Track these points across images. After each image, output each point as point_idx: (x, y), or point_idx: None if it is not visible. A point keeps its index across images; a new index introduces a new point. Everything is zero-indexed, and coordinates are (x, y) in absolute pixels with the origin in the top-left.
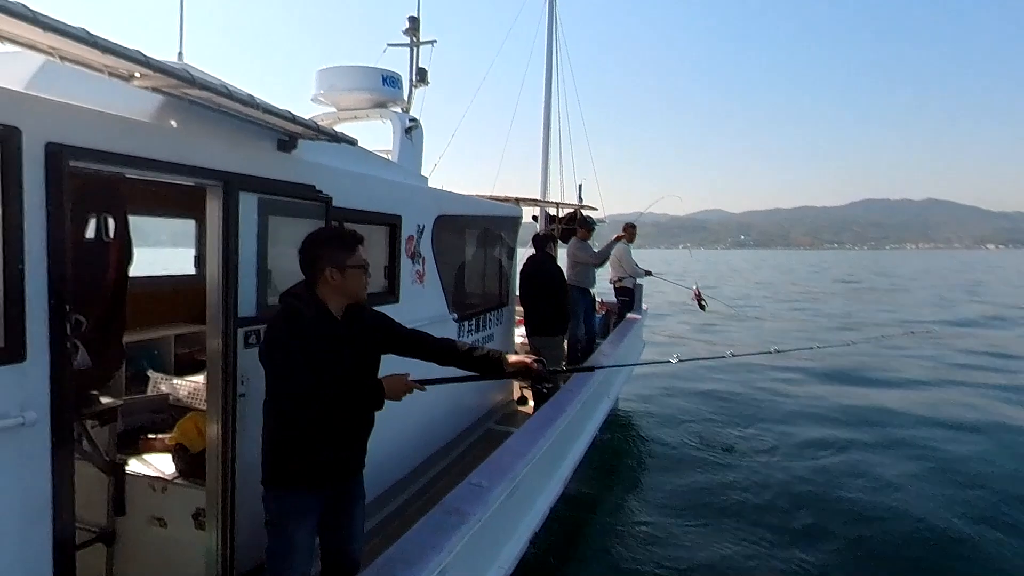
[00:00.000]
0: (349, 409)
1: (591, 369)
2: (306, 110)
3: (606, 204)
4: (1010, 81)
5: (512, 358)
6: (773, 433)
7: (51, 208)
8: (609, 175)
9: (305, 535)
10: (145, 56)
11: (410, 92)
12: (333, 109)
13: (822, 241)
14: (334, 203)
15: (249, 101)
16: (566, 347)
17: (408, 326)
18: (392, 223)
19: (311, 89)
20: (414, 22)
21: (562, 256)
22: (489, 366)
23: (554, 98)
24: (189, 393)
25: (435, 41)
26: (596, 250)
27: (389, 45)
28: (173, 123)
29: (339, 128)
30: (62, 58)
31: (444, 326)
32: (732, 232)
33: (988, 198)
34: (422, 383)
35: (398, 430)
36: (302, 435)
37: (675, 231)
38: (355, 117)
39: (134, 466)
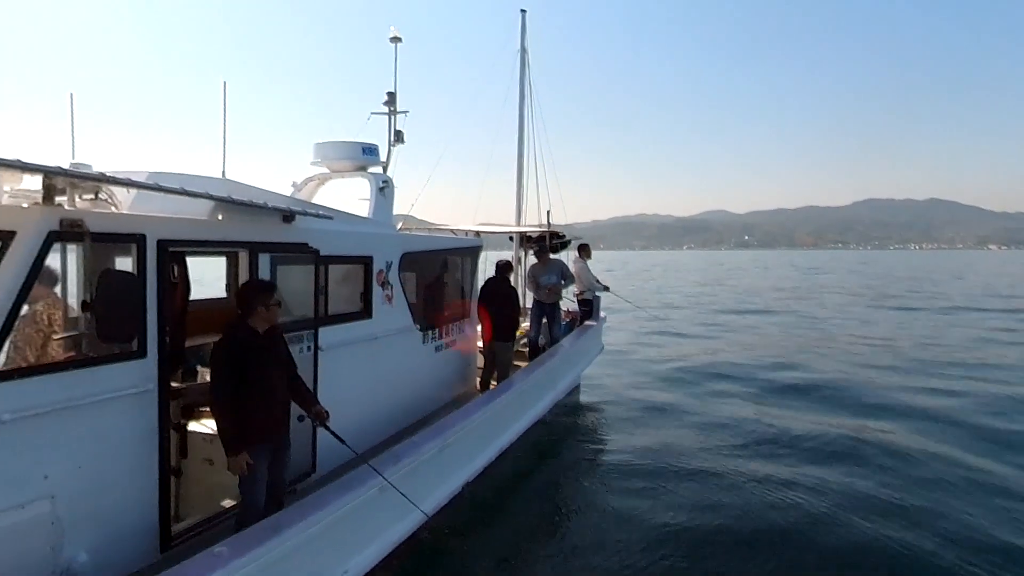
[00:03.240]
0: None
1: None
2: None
3: (607, 208)
4: (1014, 81)
5: (317, 408)
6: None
7: (159, 275)
8: (611, 176)
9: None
10: (205, 193)
11: (388, 151)
12: (327, 171)
13: (826, 241)
14: (321, 252)
15: (263, 204)
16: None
17: (379, 336)
18: (366, 262)
19: (310, 156)
20: (391, 96)
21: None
22: (305, 404)
23: (526, 135)
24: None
25: (408, 111)
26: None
27: (372, 114)
28: (220, 216)
29: (330, 183)
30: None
31: (410, 334)
32: (736, 233)
33: (991, 198)
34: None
35: (364, 411)
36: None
37: (679, 232)
38: (342, 176)
39: (192, 427)
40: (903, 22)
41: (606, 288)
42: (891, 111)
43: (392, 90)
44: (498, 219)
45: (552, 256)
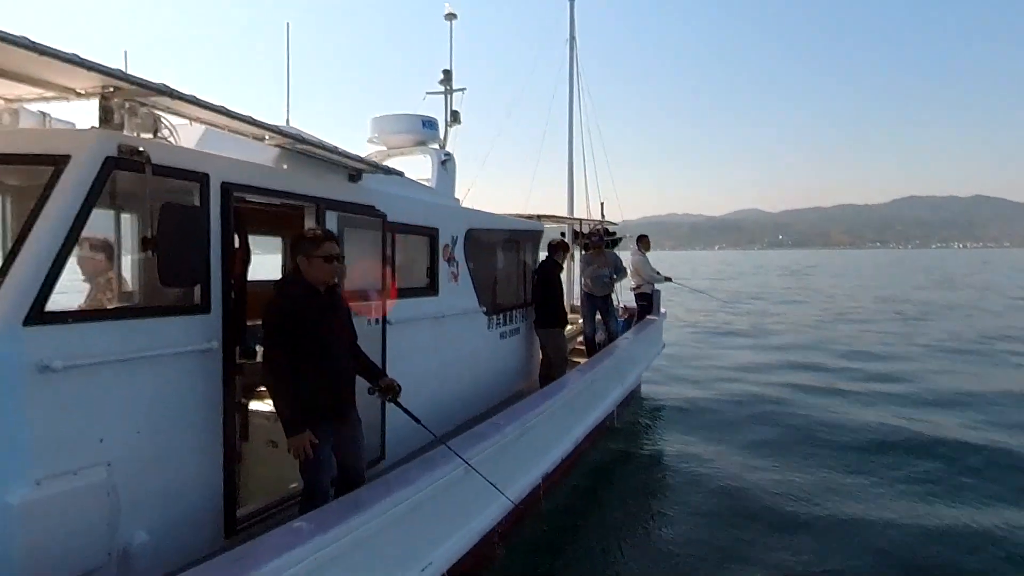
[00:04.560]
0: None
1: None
2: (361, 148)
3: (638, 207)
4: None
5: (386, 379)
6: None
7: (223, 222)
8: (641, 176)
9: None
10: (276, 125)
11: (445, 131)
12: (384, 148)
13: (863, 240)
14: (388, 219)
15: (333, 149)
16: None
17: (446, 316)
18: (431, 234)
19: (367, 132)
20: (447, 74)
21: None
22: (370, 375)
23: (577, 126)
24: None
25: (464, 89)
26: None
27: (428, 93)
28: (285, 166)
29: (388, 162)
30: (215, 126)
31: (476, 317)
32: (769, 232)
33: None
34: None
35: (430, 397)
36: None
37: (710, 232)
38: (401, 153)
39: (254, 406)
40: (942, 14)
41: (668, 279)
42: (933, 105)
43: (448, 68)
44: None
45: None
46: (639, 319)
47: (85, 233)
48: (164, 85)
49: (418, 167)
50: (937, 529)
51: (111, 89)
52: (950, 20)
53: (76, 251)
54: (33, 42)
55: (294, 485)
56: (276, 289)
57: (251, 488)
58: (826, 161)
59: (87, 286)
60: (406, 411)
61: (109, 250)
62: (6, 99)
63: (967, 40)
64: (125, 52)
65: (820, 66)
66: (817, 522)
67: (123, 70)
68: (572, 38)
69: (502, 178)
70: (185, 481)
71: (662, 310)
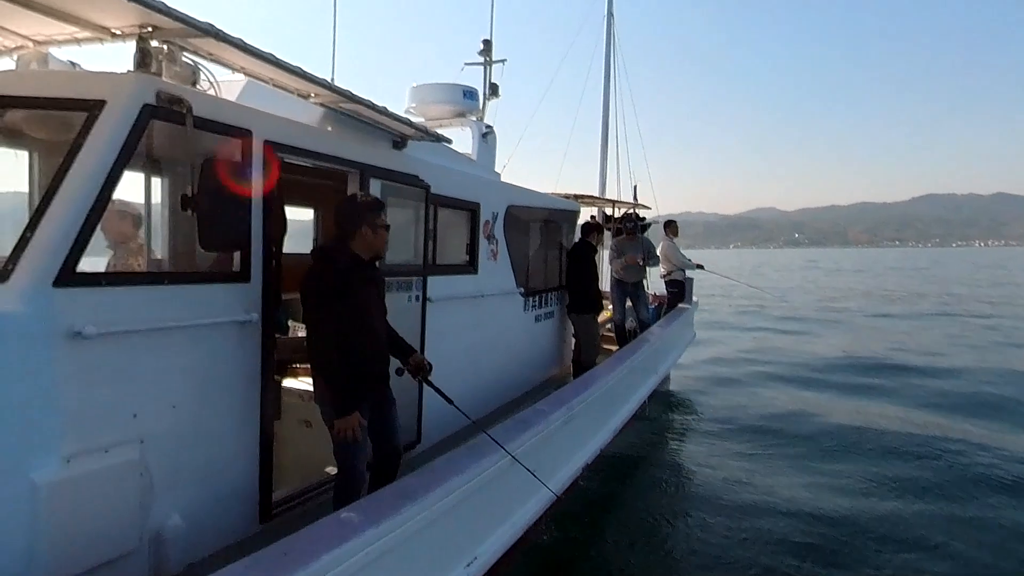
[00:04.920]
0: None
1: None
2: None
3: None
4: None
5: (416, 356)
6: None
7: (265, 184)
8: (652, 173)
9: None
10: (327, 80)
11: (483, 104)
12: (422, 119)
13: (881, 239)
14: (431, 190)
15: (384, 111)
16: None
17: (485, 296)
18: (473, 209)
19: (404, 102)
20: (487, 44)
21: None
22: (401, 353)
23: (611, 105)
24: None
25: (505, 60)
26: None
27: (466, 64)
28: (329, 128)
29: None
30: (259, 78)
31: (513, 298)
32: (785, 231)
33: None
34: None
35: (467, 380)
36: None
37: (725, 230)
38: (440, 125)
39: (287, 383)
40: (962, 8)
41: (699, 266)
42: (954, 101)
43: (488, 38)
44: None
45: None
46: (670, 307)
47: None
48: (210, 25)
49: (455, 139)
50: None
51: (150, 28)
52: (971, 15)
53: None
54: None
55: (329, 468)
56: (320, 258)
57: (283, 470)
58: (844, 159)
59: (108, 253)
60: (438, 391)
61: (136, 213)
62: (35, 40)
63: (988, 35)
64: None
65: (837, 62)
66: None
67: (165, 3)
68: (610, 14)
69: (532, 154)
70: (220, 462)
71: (694, 299)
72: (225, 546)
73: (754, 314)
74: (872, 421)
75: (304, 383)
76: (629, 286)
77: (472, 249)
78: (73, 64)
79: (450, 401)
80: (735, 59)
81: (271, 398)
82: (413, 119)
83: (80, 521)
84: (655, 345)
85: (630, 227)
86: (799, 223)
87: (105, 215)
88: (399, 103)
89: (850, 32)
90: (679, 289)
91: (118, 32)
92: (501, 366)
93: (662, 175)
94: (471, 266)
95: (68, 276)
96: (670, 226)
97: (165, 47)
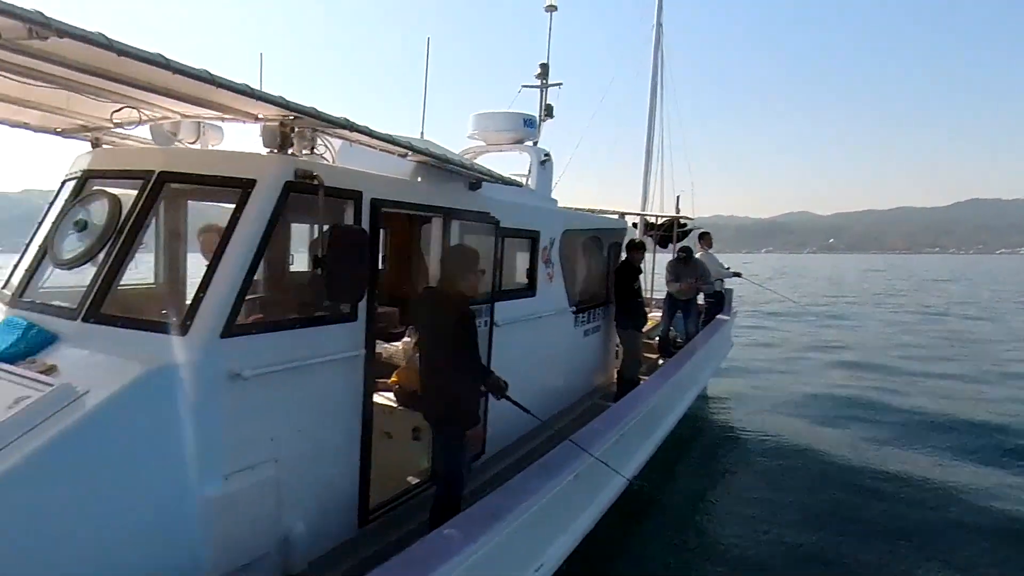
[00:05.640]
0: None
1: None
2: (458, 143)
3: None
4: None
5: (493, 377)
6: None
7: (371, 236)
8: (686, 176)
9: None
10: (428, 149)
11: (539, 126)
12: (483, 144)
13: (921, 245)
14: (500, 224)
15: (470, 166)
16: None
17: (542, 315)
18: (533, 237)
19: (467, 128)
20: (544, 68)
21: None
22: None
23: (656, 115)
24: (391, 354)
25: (561, 84)
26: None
27: (523, 87)
28: (419, 179)
29: (483, 158)
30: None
31: (566, 316)
32: (819, 236)
33: None
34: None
35: (525, 394)
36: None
37: (757, 235)
38: (499, 149)
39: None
40: (1010, 4)
41: (737, 274)
42: (999, 102)
43: (545, 61)
44: (620, 206)
45: (696, 255)
46: (708, 317)
47: (209, 223)
48: (345, 119)
49: (513, 161)
50: None
51: (291, 117)
52: (1019, 11)
53: (201, 240)
54: (236, 83)
55: (411, 477)
56: (464, 298)
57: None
58: (882, 162)
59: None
60: (521, 407)
61: None
62: (184, 115)
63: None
64: (261, 55)
65: (875, 60)
66: None
67: (314, 108)
68: (659, 24)
69: (575, 166)
70: (331, 475)
71: (733, 309)
72: (333, 547)
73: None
74: None
75: (383, 398)
76: (681, 301)
77: (532, 273)
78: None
79: (533, 415)
80: (765, 55)
81: (371, 419)
82: (475, 143)
83: (234, 528)
84: (699, 358)
85: (684, 256)
86: (834, 227)
87: (203, 240)
88: (447, 115)
89: (889, 28)
90: (717, 299)
91: (261, 117)
92: (554, 378)
93: (693, 178)
94: (530, 289)
95: (231, 329)
96: (704, 237)
97: (302, 130)
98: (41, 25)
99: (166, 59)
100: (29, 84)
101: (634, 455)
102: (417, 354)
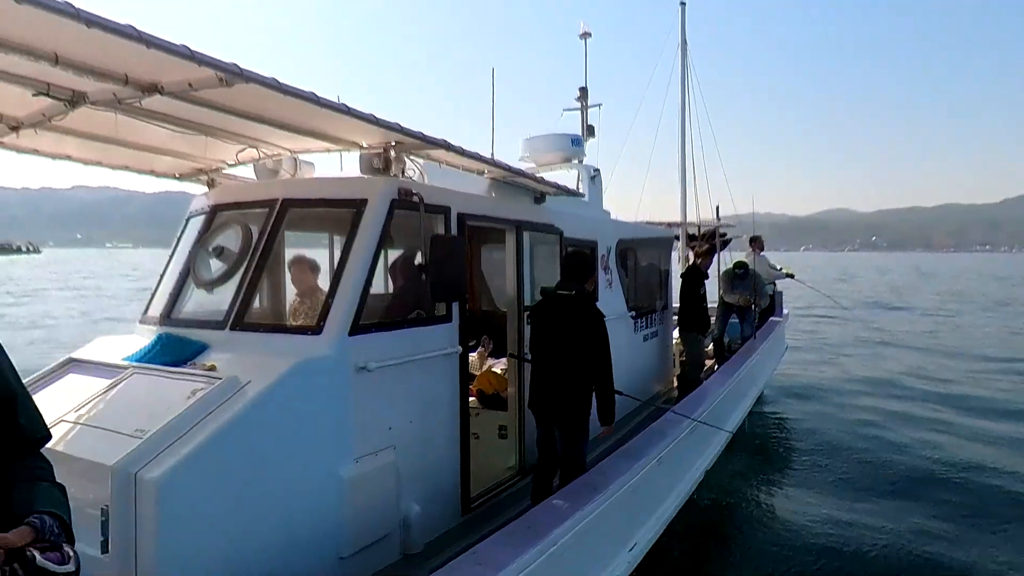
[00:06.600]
0: None
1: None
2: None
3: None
4: None
5: None
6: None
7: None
8: (719, 172)
9: None
10: (509, 167)
11: (583, 145)
12: (534, 165)
13: (970, 243)
14: (564, 234)
15: (536, 178)
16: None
17: (606, 320)
18: (592, 246)
19: (518, 151)
20: (583, 91)
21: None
22: None
23: (688, 128)
24: (469, 363)
25: (601, 104)
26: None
27: (565, 111)
28: (493, 194)
29: None
30: (453, 165)
31: (625, 321)
32: (861, 233)
33: None
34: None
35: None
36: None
37: (794, 232)
38: (550, 169)
39: None
40: None
41: (790, 275)
42: None
43: (584, 85)
44: (660, 216)
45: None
46: (761, 320)
47: (299, 254)
48: (444, 141)
49: (562, 180)
50: None
51: (393, 143)
52: None
53: (291, 270)
54: (350, 108)
55: (505, 469)
56: (593, 301)
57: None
58: (927, 157)
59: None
60: (619, 392)
61: (317, 270)
62: (292, 151)
63: None
64: (493, 69)
65: (918, 47)
66: None
67: (421, 131)
68: (683, 43)
69: (615, 181)
70: (437, 464)
71: (784, 310)
72: (443, 532)
73: None
74: None
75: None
76: (735, 307)
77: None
78: (310, 163)
79: (635, 398)
80: (802, 47)
81: (467, 412)
82: (526, 166)
83: (365, 507)
84: (755, 362)
85: (741, 273)
86: (876, 225)
87: (293, 270)
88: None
89: (932, 17)
90: (769, 302)
91: (365, 146)
92: (617, 381)
93: (727, 173)
94: (594, 295)
95: (356, 327)
96: (755, 241)
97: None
98: (233, 74)
99: (348, 106)
100: (178, 132)
101: (697, 457)
102: (500, 359)
